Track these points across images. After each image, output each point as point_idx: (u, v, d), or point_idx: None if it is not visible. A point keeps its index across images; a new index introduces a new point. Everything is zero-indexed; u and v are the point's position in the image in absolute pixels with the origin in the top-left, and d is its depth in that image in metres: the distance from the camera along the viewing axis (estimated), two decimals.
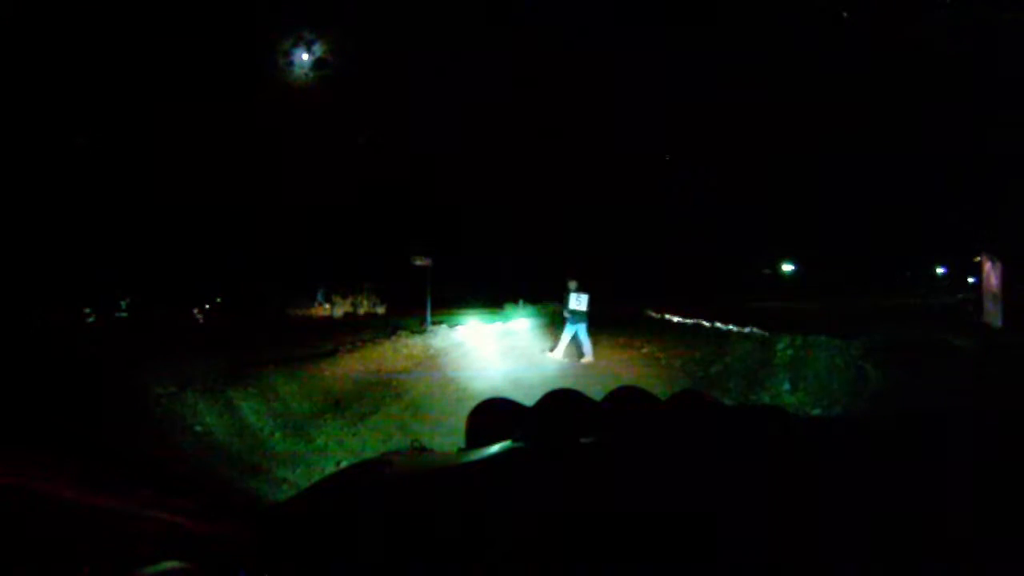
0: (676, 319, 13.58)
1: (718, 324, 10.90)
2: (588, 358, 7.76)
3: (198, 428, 4.90)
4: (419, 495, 0.82)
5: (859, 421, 1.56)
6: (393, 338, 9.54)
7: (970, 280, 18.32)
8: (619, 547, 0.64)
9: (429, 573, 0.65)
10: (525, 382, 6.86)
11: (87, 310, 14.24)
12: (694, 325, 12.07)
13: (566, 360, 7.90)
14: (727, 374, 7.35)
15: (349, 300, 16.96)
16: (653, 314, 14.54)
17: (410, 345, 9.42)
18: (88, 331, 12.07)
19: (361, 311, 16.96)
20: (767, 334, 8.43)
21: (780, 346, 7.44)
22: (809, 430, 1.06)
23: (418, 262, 9.34)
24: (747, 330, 9.36)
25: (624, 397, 1.16)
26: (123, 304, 15.70)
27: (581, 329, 7.76)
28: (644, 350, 9.77)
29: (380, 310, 17.20)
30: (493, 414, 1.20)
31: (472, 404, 1.25)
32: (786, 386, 6.39)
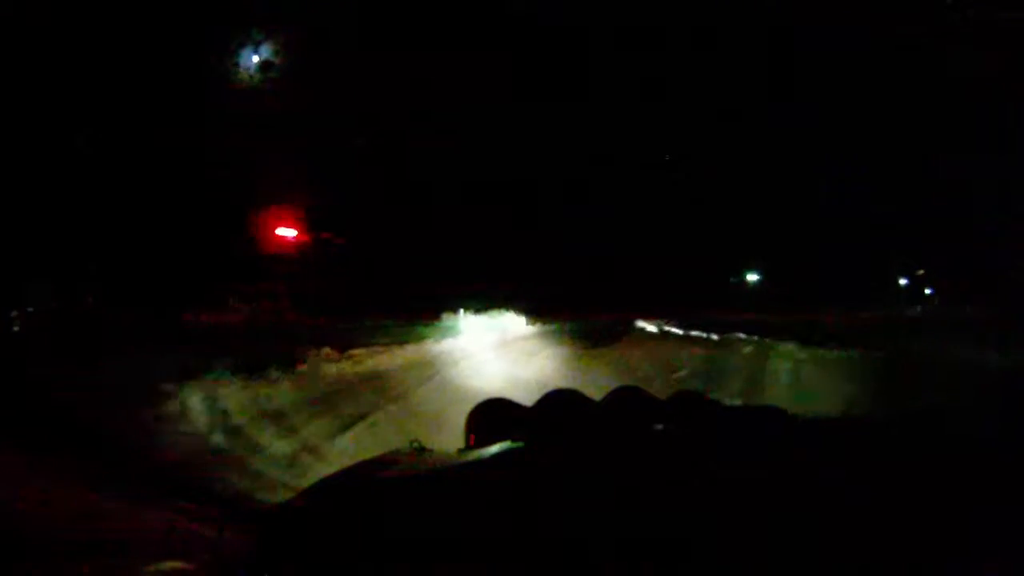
0: (672, 329, 13.29)
1: (713, 336, 10.74)
2: None
3: (195, 429, 4.88)
4: (419, 495, 0.82)
5: (859, 421, 1.56)
6: None
7: (927, 291, 18.94)
8: (619, 546, 0.64)
9: (429, 573, 0.65)
10: (524, 382, 6.84)
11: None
12: (685, 336, 11.96)
13: None
14: (727, 375, 7.35)
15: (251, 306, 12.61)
16: (646, 326, 14.04)
17: None
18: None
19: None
20: (766, 339, 8.46)
21: (779, 348, 7.46)
22: (809, 430, 1.06)
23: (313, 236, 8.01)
24: (746, 334, 9.40)
25: (624, 397, 1.16)
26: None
27: None
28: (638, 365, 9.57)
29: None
30: (493, 414, 1.20)
31: (472, 404, 1.25)
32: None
